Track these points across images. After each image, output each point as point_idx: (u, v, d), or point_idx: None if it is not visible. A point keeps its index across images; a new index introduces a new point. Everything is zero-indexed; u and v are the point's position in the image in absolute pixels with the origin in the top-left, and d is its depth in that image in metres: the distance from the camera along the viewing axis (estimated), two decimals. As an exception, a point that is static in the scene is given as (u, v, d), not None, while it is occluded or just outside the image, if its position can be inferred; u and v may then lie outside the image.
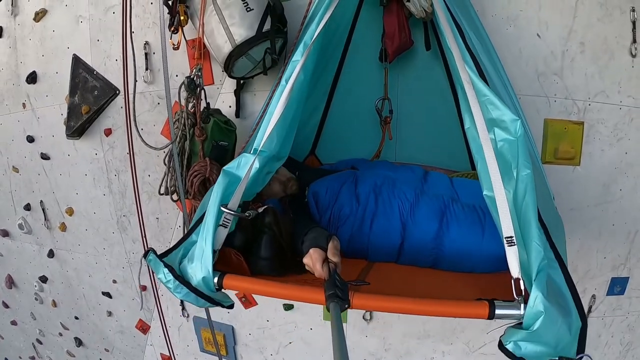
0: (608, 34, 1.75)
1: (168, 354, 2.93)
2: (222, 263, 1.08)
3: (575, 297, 0.82)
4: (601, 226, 1.94)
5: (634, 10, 1.70)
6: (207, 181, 1.91)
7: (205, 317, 2.51)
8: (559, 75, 1.82)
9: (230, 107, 2.29)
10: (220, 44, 1.85)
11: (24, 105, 2.65)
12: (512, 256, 0.82)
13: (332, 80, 2.12)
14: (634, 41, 1.73)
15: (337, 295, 0.86)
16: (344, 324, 2.35)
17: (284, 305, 2.46)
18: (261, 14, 1.80)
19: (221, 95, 2.31)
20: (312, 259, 1.00)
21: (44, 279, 3.10)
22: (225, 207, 1.02)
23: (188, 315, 2.77)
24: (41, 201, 2.86)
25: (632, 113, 1.80)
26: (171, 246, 1.09)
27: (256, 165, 1.08)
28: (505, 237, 0.84)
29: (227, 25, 1.81)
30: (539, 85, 1.84)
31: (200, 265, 0.97)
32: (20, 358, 3.66)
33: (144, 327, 2.97)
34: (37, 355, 3.53)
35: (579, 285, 1.98)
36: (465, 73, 1.01)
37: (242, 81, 2.19)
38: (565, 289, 0.83)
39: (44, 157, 2.72)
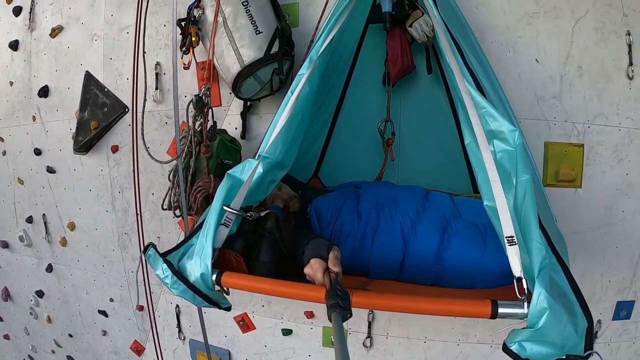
0: (605, 57, 1.80)
1: (161, 378, 2.85)
2: (222, 266, 1.07)
3: (579, 298, 0.81)
4: (605, 249, 1.92)
5: (629, 34, 1.76)
6: (210, 197, 1.92)
7: (202, 341, 2.46)
8: (557, 99, 1.86)
9: (236, 128, 2.34)
10: (230, 65, 1.92)
11: (34, 118, 2.72)
12: (514, 255, 0.82)
13: (336, 104, 2.17)
14: (631, 64, 1.77)
15: (339, 305, 0.85)
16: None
17: (282, 330, 2.41)
18: (270, 37, 1.88)
19: (228, 117, 2.36)
20: (313, 269, 1.00)
21: (40, 294, 3.06)
22: (228, 206, 1.03)
23: (184, 337, 2.71)
24: (44, 214, 2.87)
25: (632, 134, 1.82)
26: (171, 248, 1.09)
27: (259, 170, 1.10)
28: (506, 237, 0.84)
29: (236, 47, 1.88)
30: (539, 109, 1.88)
31: (199, 262, 0.97)
32: None
33: (138, 349, 2.90)
34: None
35: (584, 310, 1.95)
36: (463, 85, 1.04)
37: (248, 103, 2.25)
38: (569, 291, 0.82)
39: (50, 170, 2.75)
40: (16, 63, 2.73)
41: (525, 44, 1.87)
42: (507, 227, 0.85)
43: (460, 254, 1.33)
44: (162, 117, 2.48)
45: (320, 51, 1.21)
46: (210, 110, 2.01)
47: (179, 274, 0.98)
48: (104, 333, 2.98)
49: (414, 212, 1.50)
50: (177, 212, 2.08)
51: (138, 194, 2.52)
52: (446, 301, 0.84)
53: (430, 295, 1.26)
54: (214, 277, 0.97)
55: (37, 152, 2.75)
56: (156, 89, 2.43)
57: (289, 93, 1.19)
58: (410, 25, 1.76)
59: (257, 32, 1.87)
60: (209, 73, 1.98)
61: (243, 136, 2.31)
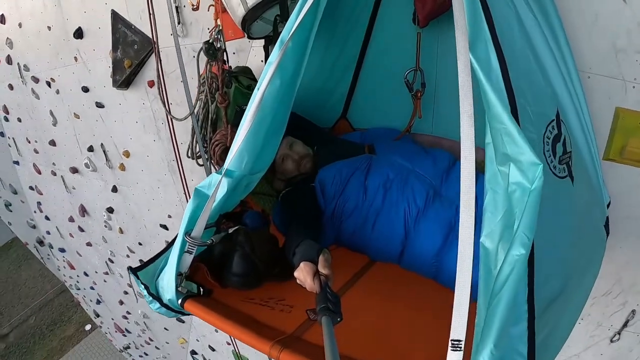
0: None
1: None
2: (196, 275, 1.13)
3: None
4: (661, 241, 1.61)
5: None
6: (228, 150, 1.91)
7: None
8: (645, 54, 1.39)
9: (262, 61, 2.18)
10: (234, 6, 1.70)
11: (75, 58, 2.83)
12: None
13: (360, 44, 1.89)
14: None
15: (329, 309, 0.85)
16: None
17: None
18: (275, -29, 1.59)
19: (253, 49, 2.20)
20: (303, 273, 0.99)
21: (110, 210, 3.58)
22: (189, 235, 1.02)
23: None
24: (101, 144, 3.17)
25: None
26: (154, 255, 1.16)
27: (224, 189, 1.02)
28: (451, 340, 0.67)
29: (239, -16, 1.64)
30: (616, 64, 1.43)
31: (167, 287, 1.04)
32: (97, 272, 4.42)
33: (195, 257, 3.34)
34: (109, 271, 4.23)
35: (620, 296, 1.74)
36: (467, 102, 0.73)
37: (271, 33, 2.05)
38: None
39: (99, 105, 2.94)
40: (49, 8, 2.76)
41: (613, -26, 1.35)
42: (456, 329, 0.67)
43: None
44: (190, 52, 2.39)
45: (292, 30, 0.94)
46: (224, 54, 1.87)
47: (154, 295, 1.06)
48: (167, 243, 3.45)
49: (423, 201, 1.35)
50: (200, 161, 2.14)
51: (173, 130, 2.57)
52: None
53: (415, 303, 1.21)
54: (179, 301, 1.03)
55: (85, 89, 2.92)
56: (178, 23, 2.30)
57: (255, 89, 1.01)
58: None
59: (260, -36, 1.59)
60: (218, 14, 1.80)
61: (267, 72, 2.16)
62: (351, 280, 1.32)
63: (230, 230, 1.15)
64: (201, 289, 1.10)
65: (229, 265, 1.13)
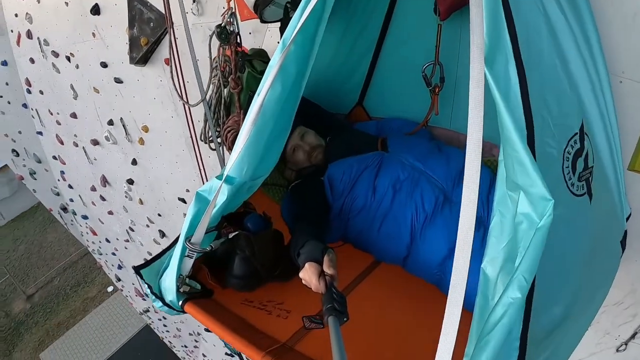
0: None
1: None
2: (201, 274, 1.17)
3: None
4: (678, 254, 1.54)
5: None
6: (240, 136, 1.92)
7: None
8: (685, 59, 1.29)
9: (277, 42, 2.13)
10: (248, -10, 1.66)
11: (93, 34, 2.83)
12: None
13: (380, 28, 1.82)
14: None
15: (335, 309, 0.86)
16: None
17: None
18: (289, -48, 1.53)
19: (269, 31, 2.15)
20: (308, 273, 1.00)
21: (131, 181, 3.69)
22: (189, 241, 1.03)
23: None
24: (121, 118, 3.23)
25: None
26: (158, 252, 1.19)
27: (224, 195, 1.01)
28: None
29: (251, -34, 1.59)
30: (652, 69, 1.33)
31: (168, 289, 1.07)
32: (118, 239, 4.61)
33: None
34: (130, 239, 4.41)
35: (632, 308, 1.71)
36: (477, 128, 0.67)
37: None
38: None
39: (118, 81, 2.96)
40: (65, -17, 2.73)
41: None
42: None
43: None
44: (205, 30, 2.36)
45: (295, 33, 0.89)
46: (237, 38, 1.83)
47: (157, 294, 1.10)
48: (185, 216, 3.55)
49: (432, 206, 1.32)
50: (212, 145, 2.15)
51: (189, 113, 2.58)
52: None
53: (412, 311, 1.22)
54: (180, 303, 1.07)
55: (104, 65, 2.94)
56: (194, 1, 2.26)
57: (256, 94, 0.97)
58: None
59: (273, -54, 1.53)
60: (230, -4, 1.75)
61: (285, 54, 2.12)
62: (356, 280, 1.33)
63: (231, 236, 1.15)
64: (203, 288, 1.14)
65: (230, 267, 1.15)
